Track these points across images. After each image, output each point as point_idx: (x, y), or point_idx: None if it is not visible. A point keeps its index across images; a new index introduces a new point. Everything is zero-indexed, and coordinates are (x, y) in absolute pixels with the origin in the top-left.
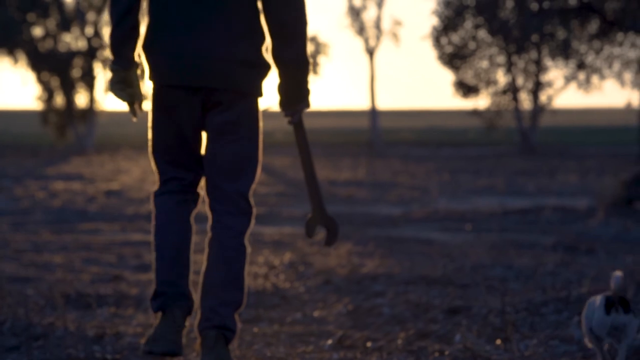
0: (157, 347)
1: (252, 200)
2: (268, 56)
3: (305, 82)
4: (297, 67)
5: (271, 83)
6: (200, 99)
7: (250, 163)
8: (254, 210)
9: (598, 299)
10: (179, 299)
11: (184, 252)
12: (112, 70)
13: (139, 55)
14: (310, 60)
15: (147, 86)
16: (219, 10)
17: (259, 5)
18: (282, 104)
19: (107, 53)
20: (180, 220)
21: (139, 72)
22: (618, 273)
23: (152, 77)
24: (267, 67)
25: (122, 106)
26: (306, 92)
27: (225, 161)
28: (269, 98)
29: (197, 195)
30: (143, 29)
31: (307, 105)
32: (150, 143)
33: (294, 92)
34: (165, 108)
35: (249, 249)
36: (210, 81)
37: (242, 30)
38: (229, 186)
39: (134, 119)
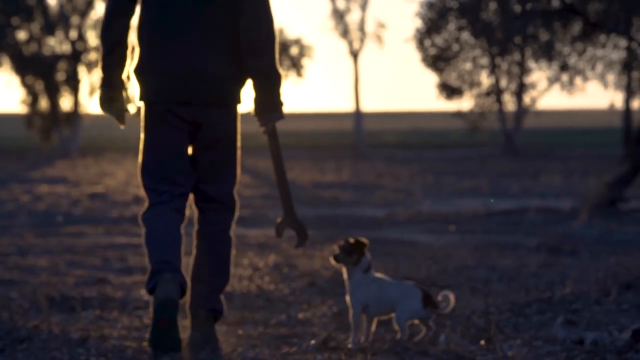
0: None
1: (235, 196)
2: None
3: (276, 94)
4: (268, 79)
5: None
6: (188, 114)
7: (232, 166)
8: (238, 204)
9: None
10: (174, 272)
11: (175, 239)
12: (102, 90)
13: (127, 77)
14: (281, 73)
15: (138, 106)
16: (200, 35)
17: (233, 24)
18: (257, 113)
19: (92, 57)
20: (171, 219)
21: (124, 91)
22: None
23: (143, 97)
24: (245, 78)
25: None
26: (278, 103)
27: (211, 167)
28: (247, 104)
29: (184, 207)
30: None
31: (280, 115)
32: (140, 163)
33: (267, 103)
34: (157, 125)
35: (233, 239)
36: (196, 97)
37: (221, 49)
38: (214, 188)
39: (122, 127)
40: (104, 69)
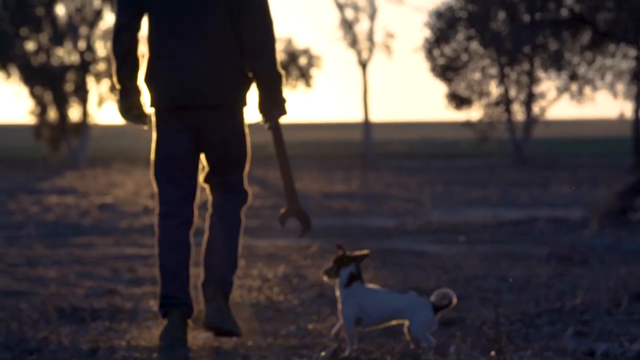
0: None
1: (246, 184)
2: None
3: (278, 91)
4: (268, 78)
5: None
6: (195, 118)
7: (242, 158)
8: (249, 192)
9: None
10: (180, 306)
11: (184, 268)
12: (120, 100)
13: (140, 85)
14: (282, 72)
15: (149, 112)
16: (204, 42)
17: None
18: (260, 110)
19: (100, 67)
20: (180, 242)
21: (141, 98)
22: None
23: (153, 104)
24: (249, 81)
25: (119, 121)
26: (280, 100)
27: (223, 161)
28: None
29: (193, 212)
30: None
31: (283, 111)
32: (152, 163)
33: (269, 100)
34: (165, 129)
35: (244, 222)
36: (202, 102)
37: (225, 55)
38: (226, 179)
39: (145, 127)
40: (119, 80)
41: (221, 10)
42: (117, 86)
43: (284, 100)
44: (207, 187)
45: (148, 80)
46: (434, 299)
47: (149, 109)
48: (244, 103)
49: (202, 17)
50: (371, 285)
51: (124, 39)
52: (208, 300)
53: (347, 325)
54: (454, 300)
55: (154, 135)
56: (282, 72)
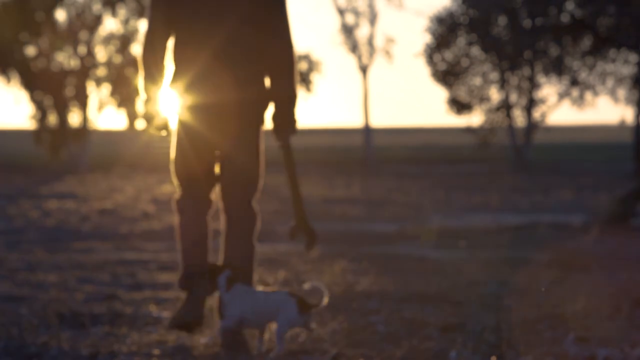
0: (187, 317)
1: (256, 206)
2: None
3: (293, 113)
4: (288, 101)
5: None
6: (216, 132)
7: (255, 179)
8: (259, 215)
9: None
10: (201, 280)
11: (204, 241)
12: (143, 107)
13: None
14: (297, 95)
15: (173, 120)
16: (231, 57)
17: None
18: (275, 129)
19: (100, 72)
20: (199, 219)
21: (161, 106)
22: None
23: (176, 114)
24: (268, 101)
25: (119, 126)
26: (294, 121)
27: (236, 179)
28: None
29: (210, 196)
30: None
31: (294, 131)
32: (172, 162)
33: (285, 121)
34: (186, 139)
35: (257, 248)
36: (224, 118)
37: (250, 72)
38: (239, 195)
39: (164, 133)
40: (144, 88)
41: (248, 28)
42: (141, 94)
43: (296, 121)
44: (221, 206)
45: (172, 90)
46: (308, 288)
47: (171, 121)
48: (262, 122)
49: (232, 31)
50: (248, 288)
51: (152, 46)
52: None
53: (230, 324)
54: (325, 300)
55: (175, 138)
56: (298, 93)
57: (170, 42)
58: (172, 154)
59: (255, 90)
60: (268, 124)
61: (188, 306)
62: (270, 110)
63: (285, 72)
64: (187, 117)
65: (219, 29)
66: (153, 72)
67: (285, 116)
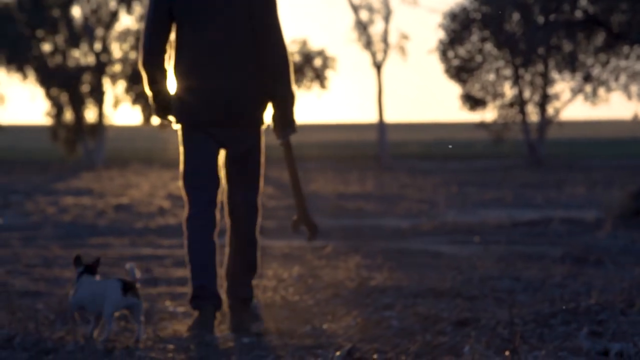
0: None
1: (259, 203)
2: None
3: (291, 112)
4: (285, 100)
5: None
6: (220, 134)
7: (257, 177)
8: (261, 211)
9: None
10: (210, 299)
11: (212, 262)
12: (154, 103)
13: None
14: (295, 93)
15: (177, 127)
16: (232, 60)
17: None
18: (274, 128)
19: (116, 69)
20: (207, 240)
21: (171, 99)
22: (131, 264)
23: (181, 119)
24: (267, 101)
25: (135, 122)
26: (292, 119)
27: (238, 178)
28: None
29: (215, 216)
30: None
31: (294, 130)
32: (181, 172)
33: (283, 119)
34: (192, 142)
35: (259, 241)
36: (228, 120)
37: (249, 74)
38: (242, 195)
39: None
40: (150, 87)
41: (249, 32)
42: (150, 93)
43: (294, 120)
44: (226, 208)
45: (177, 96)
46: (127, 267)
47: (176, 125)
48: (262, 122)
49: (231, 34)
50: (99, 277)
51: (155, 50)
52: (230, 308)
53: (72, 310)
54: (138, 275)
55: (182, 148)
56: (296, 93)
57: (170, 42)
58: (181, 166)
59: (259, 90)
60: (268, 123)
61: (199, 326)
62: (269, 110)
63: (279, 73)
64: (193, 122)
65: (224, 27)
66: (155, 73)
67: (282, 115)
